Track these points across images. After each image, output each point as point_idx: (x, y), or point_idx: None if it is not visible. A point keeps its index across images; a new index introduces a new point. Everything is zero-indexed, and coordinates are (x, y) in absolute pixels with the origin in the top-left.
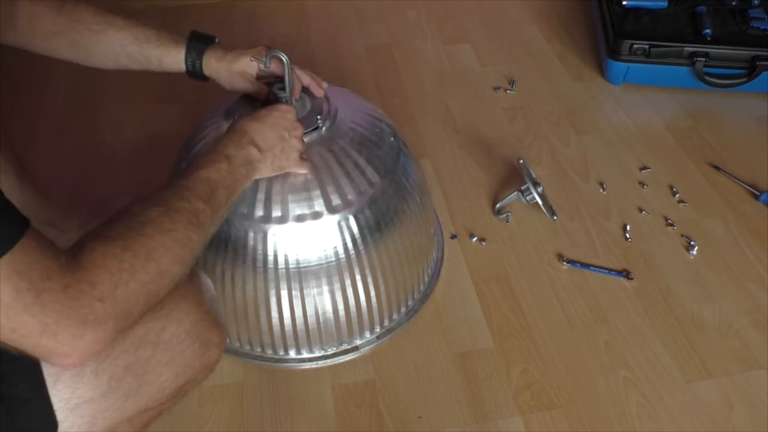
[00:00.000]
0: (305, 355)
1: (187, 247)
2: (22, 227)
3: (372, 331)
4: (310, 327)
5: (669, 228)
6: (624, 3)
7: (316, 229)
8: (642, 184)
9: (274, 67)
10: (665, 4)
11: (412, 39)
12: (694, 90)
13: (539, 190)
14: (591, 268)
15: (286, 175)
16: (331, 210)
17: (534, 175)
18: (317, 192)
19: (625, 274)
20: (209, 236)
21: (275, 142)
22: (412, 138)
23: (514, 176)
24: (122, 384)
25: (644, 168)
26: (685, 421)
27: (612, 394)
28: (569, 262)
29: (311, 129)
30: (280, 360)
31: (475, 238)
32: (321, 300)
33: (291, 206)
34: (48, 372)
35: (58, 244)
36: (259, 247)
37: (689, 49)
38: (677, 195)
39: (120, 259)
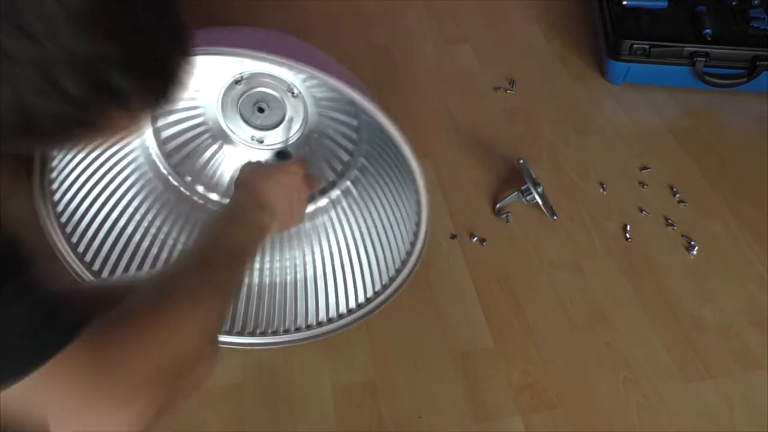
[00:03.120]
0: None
1: (212, 320)
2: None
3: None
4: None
5: (669, 228)
6: (624, 3)
7: None
8: (642, 184)
9: None
10: (665, 4)
11: (412, 39)
12: (694, 90)
13: (539, 190)
14: None
15: None
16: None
17: (534, 175)
18: None
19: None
20: (230, 306)
21: (284, 205)
22: (412, 138)
23: (514, 176)
24: None
25: (644, 168)
26: (686, 421)
27: (612, 394)
28: None
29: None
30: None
31: (475, 238)
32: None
33: None
34: None
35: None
36: None
37: (689, 49)
38: (677, 195)
39: (146, 338)
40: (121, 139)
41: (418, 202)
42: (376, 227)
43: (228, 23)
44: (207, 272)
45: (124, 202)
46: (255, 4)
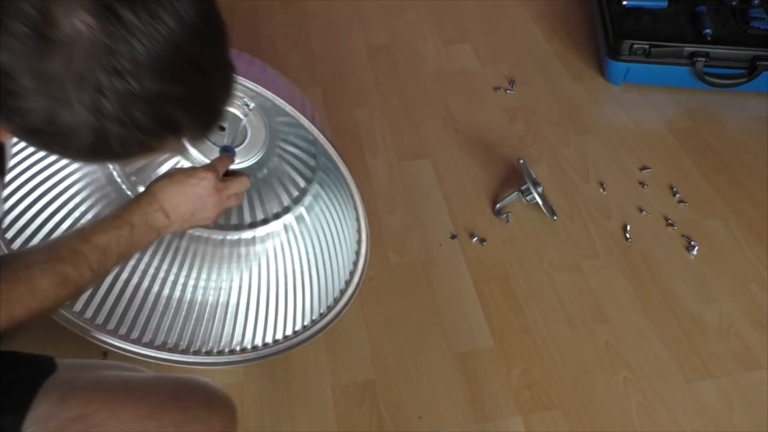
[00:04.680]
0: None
1: (49, 301)
2: None
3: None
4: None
5: (669, 228)
6: (624, 3)
7: None
8: (642, 184)
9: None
10: (665, 4)
11: (412, 39)
12: (694, 90)
13: (539, 190)
14: None
15: None
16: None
17: (534, 175)
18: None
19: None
20: (85, 290)
21: (186, 209)
22: (412, 138)
23: (514, 176)
24: None
25: (644, 168)
26: (686, 421)
27: (612, 394)
28: None
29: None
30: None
31: (475, 238)
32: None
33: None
34: None
35: None
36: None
37: (689, 49)
38: (677, 195)
39: None
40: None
41: (358, 241)
42: (323, 256)
43: (227, 25)
44: (67, 269)
45: (76, 214)
46: (255, 5)
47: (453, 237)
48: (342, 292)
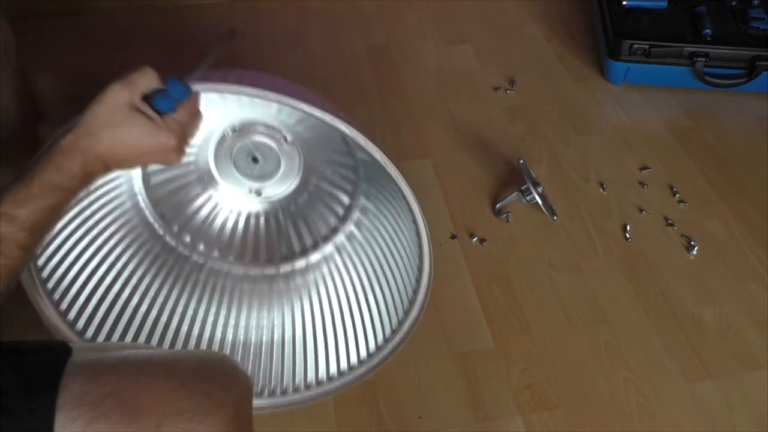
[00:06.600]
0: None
1: None
2: None
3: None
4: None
5: (669, 228)
6: (624, 3)
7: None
8: (642, 184)
9: None
10: (665, 4)
11: (412, 39)
12: (694, 90)
13: (539, 190)
14: None
15: None
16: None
17: (534, 175)
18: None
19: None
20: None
21: (130, 155)
22: (412, 138)
23: (514, 176)
24: None
25: (644, 168)
26: (685, 421)
27: (612, 394)
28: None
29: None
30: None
31: (475, 238)
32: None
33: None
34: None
35: None
36: None
37: (689, 49)
38: (677, 195)
39: None
40: None
41: (419, 245)
42: (383, 269)
43: (227, 25)
44: None
45: (111, 259)
46: (256, 5)
47: (453, 237)
48: (415, 293)
